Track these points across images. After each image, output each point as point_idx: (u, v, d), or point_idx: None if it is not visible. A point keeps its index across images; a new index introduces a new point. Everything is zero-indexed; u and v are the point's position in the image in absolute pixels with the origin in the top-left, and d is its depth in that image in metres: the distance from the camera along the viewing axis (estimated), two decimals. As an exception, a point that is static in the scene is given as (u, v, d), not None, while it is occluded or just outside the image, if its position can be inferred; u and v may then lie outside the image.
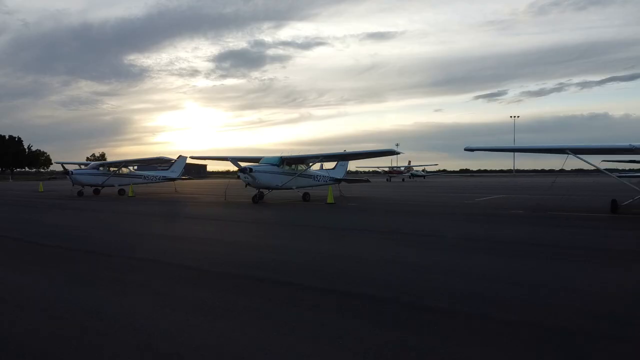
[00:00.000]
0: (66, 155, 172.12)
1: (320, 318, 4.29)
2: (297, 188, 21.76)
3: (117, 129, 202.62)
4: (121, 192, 28.51)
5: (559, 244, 8.65)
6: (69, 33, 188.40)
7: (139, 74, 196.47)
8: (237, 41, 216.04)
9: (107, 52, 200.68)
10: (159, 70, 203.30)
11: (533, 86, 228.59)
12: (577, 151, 15.23)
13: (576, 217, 13.77)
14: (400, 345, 3.60)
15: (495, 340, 3.72)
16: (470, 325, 4.08)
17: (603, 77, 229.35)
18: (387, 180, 63.31)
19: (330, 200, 20.08)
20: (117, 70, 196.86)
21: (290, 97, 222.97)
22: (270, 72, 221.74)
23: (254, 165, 20.46)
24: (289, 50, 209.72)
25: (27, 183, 59.58)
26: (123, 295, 5.19)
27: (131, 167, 31.23)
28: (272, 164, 21.00)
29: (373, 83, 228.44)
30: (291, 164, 21.85)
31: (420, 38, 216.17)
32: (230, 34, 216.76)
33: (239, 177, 20.18)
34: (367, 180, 32.49)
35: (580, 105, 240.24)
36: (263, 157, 22.07)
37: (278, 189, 21.10)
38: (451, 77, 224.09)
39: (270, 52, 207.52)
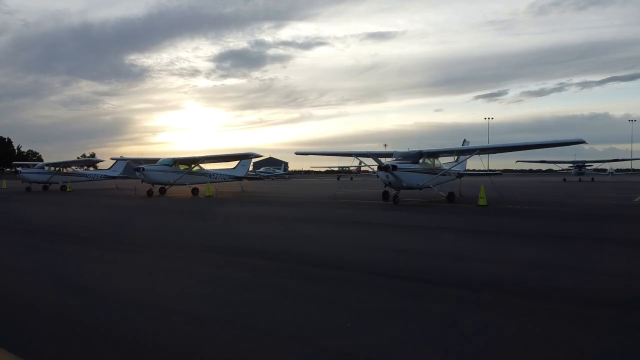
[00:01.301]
0: (66, 155, 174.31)
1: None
2: (189, 184, 26.81)
3: (117, 128, 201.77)
4: (63, 188, 33.57)
5: None
6: (69, 33, 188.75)
7: (139, 74, 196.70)
8: (237, 41, 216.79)
9: (107, 52, 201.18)
10: (159, 70, 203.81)
11: (533, 86, 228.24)
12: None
13: None
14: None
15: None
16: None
17: (603, 77, 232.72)
18: (337, 179, 67.29)
19: (208, 193, 25.12)
20: (117, 70, 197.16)
21: (291, 97, 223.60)
22: (271, 72, 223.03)
23: (146, 165, 25.43)
24: (290, 50, 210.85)
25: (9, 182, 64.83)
26: None
27: (73, 167, 36.36)
28: (165, 164, 25.98)
29: (373, 83, 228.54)
30: (183, 164, 26.84)
31: (420, 38, 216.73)
32: (230, 34, 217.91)
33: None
34: (261, 178, 37.40)
35: (580, 105, 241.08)
36: (160, 158, 27.05)
37: (171, 184, 26.16)
38: (451, 77, 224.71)
39: (271, 52, 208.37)
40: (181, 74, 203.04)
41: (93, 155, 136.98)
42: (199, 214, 15.97)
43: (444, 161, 22.49)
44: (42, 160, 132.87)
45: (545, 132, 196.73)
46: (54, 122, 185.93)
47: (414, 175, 18.95)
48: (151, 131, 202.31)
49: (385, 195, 20.07)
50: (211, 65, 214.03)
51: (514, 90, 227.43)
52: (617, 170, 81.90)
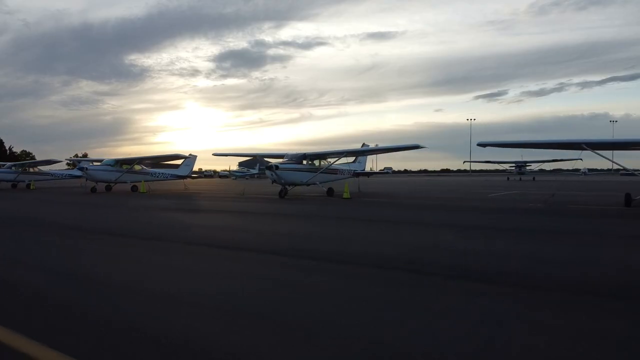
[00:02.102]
0: (66, 155, 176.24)
1: None
2: (130, 182, 30.65)
3: (117, 128, 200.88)
4: (28, 186, 37.44)
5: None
6: (69, 33, 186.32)
7: (139, 74, 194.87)
8: (237, 41, 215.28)
9: (107, 52, 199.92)
10: (159, 70, 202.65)
11: (533, 86, 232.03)
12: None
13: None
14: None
15: None
16: None
17: (603, 77, 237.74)
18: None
19: (142, 190, 28.90)
20: (117, 70, 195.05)
21: (291, 97, 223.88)
22: (271, 72, 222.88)
23: (90, 166, 29.21)
24: (290, 50, 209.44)
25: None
26: None
27: (39, 167, 40.25)
28: (108, 164, 29.79)
29: (373, 83, 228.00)
30: (124, 164, 30.64)
31: (420, 38, 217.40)
32: (230, 34, 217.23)
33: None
34: (203, 177, 40.99)
35: (580, 105, 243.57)
36: (104, 159, 30.87)
37: (112, 182, 30.00)
38: (451, 77, 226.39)
39: (271, 52, 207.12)
40: (181, 74, 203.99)
41: (85, 155, 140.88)
42: (93, 205, 19.74)
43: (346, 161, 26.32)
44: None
45: (545, 132, 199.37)
46: (54, 122, 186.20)
47: (294, 173, 22.45)
48: (151, 131, 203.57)
49: (280, 192, 23.22)
50: (211, 65, 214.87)
51: (514, 90, 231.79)
52: (589, 170, 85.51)
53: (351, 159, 27.73)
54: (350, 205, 18.11)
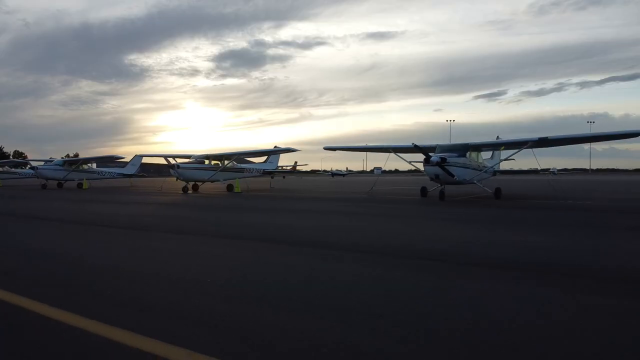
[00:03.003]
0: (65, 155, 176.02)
1: None
2: (77, 180, 35.50)
3: (117, 128, 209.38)
4: (80, 185, 41.93)
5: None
6: (69, 33, 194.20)
7: (139, 74, 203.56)
8: (237, 41, 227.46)
9: (107, 52, 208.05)
10: (159, 70, 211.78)
11: (532, 86, 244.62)
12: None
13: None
14: None
15: None
16: None
17: (603, 77, 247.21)
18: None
19: (85, 186, 33.77)
20: (117, 70, 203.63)
21: (291, 97, 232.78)
22: (271, 72, 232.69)
23: (39, 165, 34.09)
24: (290, 50, 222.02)
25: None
26: None
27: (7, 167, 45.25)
28: (57, 164, 34.66)
29: (373, 83, 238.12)
30: (73, 164, 35.48)
31: (420, 38, 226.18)
32: (230, 33, 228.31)
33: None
34: (144, 176, 45.36)
35: (579, 105, 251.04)
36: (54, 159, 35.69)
37: (61, 180, 34.84)
38: (451, 77, 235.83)
39: (271, 51, 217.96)
40: (181, 73, 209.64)
41: (76, 155, 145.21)
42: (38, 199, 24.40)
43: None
44: (51, 157, 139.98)
45: (544, 132, 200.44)
46: (54, 122, 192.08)
47: (194, 172, 26.53)
48: (151, 131, 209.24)
49: (183, 188, 26.69)
50: (211, 65, 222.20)
51: (514, 90, 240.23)
52: (559, 170, 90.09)
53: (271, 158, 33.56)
54: (234, 197, 22.27)
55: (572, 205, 16.00)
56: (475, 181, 19.91)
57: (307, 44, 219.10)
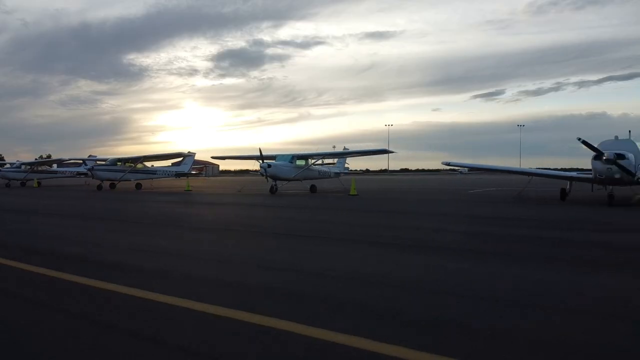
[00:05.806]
0: (65, 155, 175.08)
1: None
2: (37, 180, 43.70)
3: (116, 128, 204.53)
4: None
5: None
6: (68, 32, 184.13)
7: (138, 74, 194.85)
8: (236, 40, 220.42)
9: (106, 52, 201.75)
10: (158, 70, 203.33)
11: (531, 85, 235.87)
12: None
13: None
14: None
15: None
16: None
17: (601, 77, 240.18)
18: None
19: (35, 185, 41.86)
20: (116, 70, 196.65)
21: (290, 97, 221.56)
22: (270, 72, 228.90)
23: (2, 168, 42.39)
24: (288, 50, 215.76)
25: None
26: None
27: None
28: (17, 167, 42.95)
29: (372, 82, 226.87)
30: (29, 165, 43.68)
31: (419, 38, 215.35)
32: (229, 33, 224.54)
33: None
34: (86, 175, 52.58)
35: (578, 105, 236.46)
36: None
37: (21, 180, 43.13)
38: (450, 76, 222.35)
39: (270, 51, 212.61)
40: (180, 73, 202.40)
41: (49, 156, 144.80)
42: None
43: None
44: (18, 160, 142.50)
45: (543, 131, 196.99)
46: (53, 121, 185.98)
47: (106, 173, 33.21)
48: (150, 131, 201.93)
49: (97, 186, 32.67)
50: (209, 64, 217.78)
51: (512, 89, 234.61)
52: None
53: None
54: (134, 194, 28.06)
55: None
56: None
57: (305, 44, 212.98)
